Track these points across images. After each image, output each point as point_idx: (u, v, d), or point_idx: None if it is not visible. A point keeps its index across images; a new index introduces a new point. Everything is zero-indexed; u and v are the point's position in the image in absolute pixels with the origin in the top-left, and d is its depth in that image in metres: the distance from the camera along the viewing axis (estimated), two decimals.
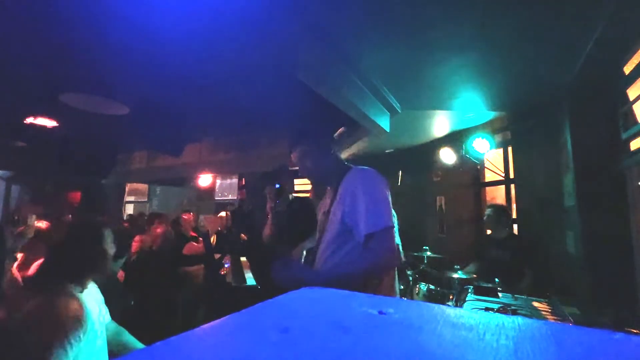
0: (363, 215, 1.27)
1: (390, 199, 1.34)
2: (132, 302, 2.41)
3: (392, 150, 5.75)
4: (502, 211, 3.36)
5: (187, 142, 6.01)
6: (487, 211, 3.37)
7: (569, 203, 3.03)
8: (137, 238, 3.26)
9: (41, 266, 1.46)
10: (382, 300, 0.50)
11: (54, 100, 3.70)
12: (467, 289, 2.41)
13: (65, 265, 1.39)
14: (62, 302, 1.28)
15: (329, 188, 1.59)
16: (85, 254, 1.44)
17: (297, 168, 1.59)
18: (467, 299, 2.20)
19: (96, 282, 1.57)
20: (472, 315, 0.44)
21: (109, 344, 1.48)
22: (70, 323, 1.24)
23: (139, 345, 1.68)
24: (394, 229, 1.29)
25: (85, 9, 2.15)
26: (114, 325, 1.65)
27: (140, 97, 3.77)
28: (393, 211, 1.34)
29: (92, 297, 1.48)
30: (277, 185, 1.77)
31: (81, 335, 1.26)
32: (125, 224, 5.68)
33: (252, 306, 0.47)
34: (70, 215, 4.50)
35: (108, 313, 1.62)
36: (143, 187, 9.23)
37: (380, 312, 0.45)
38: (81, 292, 1.41)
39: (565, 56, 2.59)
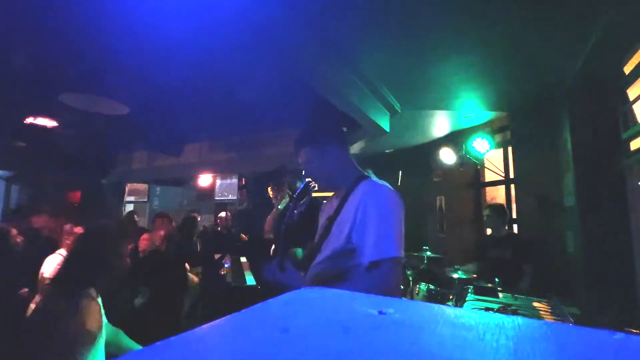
0: (372, 239, 1.17)
1: (403, 225, 1.23)
2: (139, 301, 2.41)
3: (392, 150, 5.75)
4: (501, 210, 3.36)
5: (187, 142, 6.01)
6: (488, 211, 3.37)
7: (569, 203, 3.03)
8: (144, 236, 3.25)
9: (62, 270, 1.46)
10: (382, 300, 0.50)
11: (54, 100, 3.70)
12: (467, 289, 2.41)
13: (85, 269, 1.40)
14: (86, 306, 1.30)
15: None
16: (104, 257, 1.45)
17: (302, 169, 1.45)
18: (467, 299, 2.20)
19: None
20: (472, 315, 0.44)
21: (106, 345, 1.48)
22: (93, 325, 1.26)
23: (136, 346, 1.69)
24: (402, 260, 1.19)
25: (86, 9, 2.15)
26: (110, 326, 1.66)
27: (140, 97, 3.77)
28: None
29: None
30: (303, 184, 1.62)
31: (101, 337, 1.29)
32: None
33: (252, 306, 0.47)
34: (71, 217, 4.48)
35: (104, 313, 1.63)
36: (143, 187, 9.23)
37: (380, 312, 0.45)
38: (98, 295, 1.42)
39: (565, 56, 2.60)
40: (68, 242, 2.63)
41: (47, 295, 1.32)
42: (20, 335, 1.26)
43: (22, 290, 2.51)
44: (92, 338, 1.23)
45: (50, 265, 2.50)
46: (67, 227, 2.83)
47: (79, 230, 2.70)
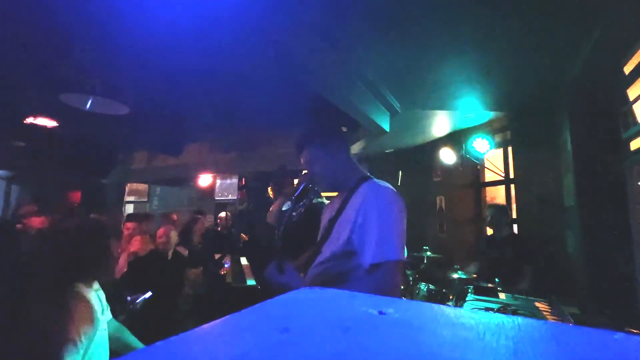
0: (372, 241, 1.15)
1: (405, 227, 1.22)
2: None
3: (392, 150, 5.75)
4: (503, 211, 3.36)
5: (187, 142, 6.02)
6: (489, 211, 3.38)
7: (569, 203, 3.03)
8: (137, 238, 3.26)
9: (50, 267, 1.46)
10: (382, 300, 0.50)
11: (54, 100, 3.70)
12: (467, 289, 2.41)
13: (74, 266, 1.40)
14: (73, 303, 1.30)
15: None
16: (93, 254, 1.45)
17: (304, 169, 1.44)
18: (467, 299, 2.21)
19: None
20: (472, 315, 0.44)
21: (109, 341, 1.49)
22: (80, 324, 1.26)
23: (139, 344, 1.69)
24: (403, 262, 1.17)
25: (86, 9, 2.15)
26: (114, 323, 1.67)
27: (140, 97, 3.77)
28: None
29: (95, 294, 1.50)
30: (301, 187, 1.60)
31: (90, 334, 1.28)
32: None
33: (252, 306, 0.47)
34: (69, 215, 4.51)
35: (109, 310, 1.63)
36: (143, 187, 9.23)
37: (380, 312, 0.45)
38: (89, 291, 1.42)
39: (565, 56, 2.60)
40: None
41: (30, 292, 1.31)
42: (4, 334, 1.26)
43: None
44: (77, 337, 1.23)
45: None
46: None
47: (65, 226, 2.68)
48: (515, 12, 2.11)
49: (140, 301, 2.21)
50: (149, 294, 2.28)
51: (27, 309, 1.25)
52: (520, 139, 3.89)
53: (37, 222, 3.32)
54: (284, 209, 2.81)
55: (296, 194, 1.55)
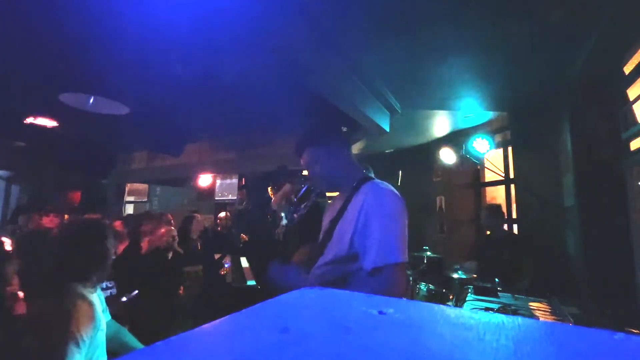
0: (374, 244, 1.14)
1: (406, 228, 1.21)
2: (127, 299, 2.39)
3: (392, 150, 5.75)
4: (497, 211, 3.36)
5: (187, 142, 6.01)
6: (483, 212, 3.40)
7: (569, 203, 3.03)
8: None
9: (49, 267, 1.46)
10: (382, 300, 0.50)
11: (54, 100, 3.70)
12: (467, 289, 2.41)
13: (73, 266, 1.40)
14: (73, 303, 1.30)
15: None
16: (92, 253, 1.45)
17: (304, 170, 1.42)
18: (467, 299, 2.20)
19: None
20: (472, 315, 0.44)
21: (108, 342, 1.49)
22: (82, 323, 1.26)
23: (138, 344, 1.69)
24: (406, 265, 1.16)
25: (86, 9, 2.15)
26: (114, 323, 1.67)
27: (140, 97, 3.77)
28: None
29: (96, 294, 1.50)
30: (304, 188, 1.59)
31: (92, 333, 1.29)
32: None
33: (252, 306, 0.47)
34: (68, 215, 4.50)
35: (108, 311, 1.63)
36: (143, 187, 9.23)
37: (380, 312, 0.45)
38: (89, 291, 1.42)
39: (565, 56, 2.60)
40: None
41: (30, 292, 1.31)
42: (4, 334, 1.26)
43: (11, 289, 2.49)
44: (79, 336, 1.23)
45: None
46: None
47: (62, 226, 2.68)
48: (515, 12, 2.11)
49: (129, 298, 2.21)
50: (135, 292, 2.28)
51: (30, 308, 1.25)
52: (520, 139, 3.89)
53: (55, 222, 3.33)
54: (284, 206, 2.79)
55: (299, 194, 1.55)
